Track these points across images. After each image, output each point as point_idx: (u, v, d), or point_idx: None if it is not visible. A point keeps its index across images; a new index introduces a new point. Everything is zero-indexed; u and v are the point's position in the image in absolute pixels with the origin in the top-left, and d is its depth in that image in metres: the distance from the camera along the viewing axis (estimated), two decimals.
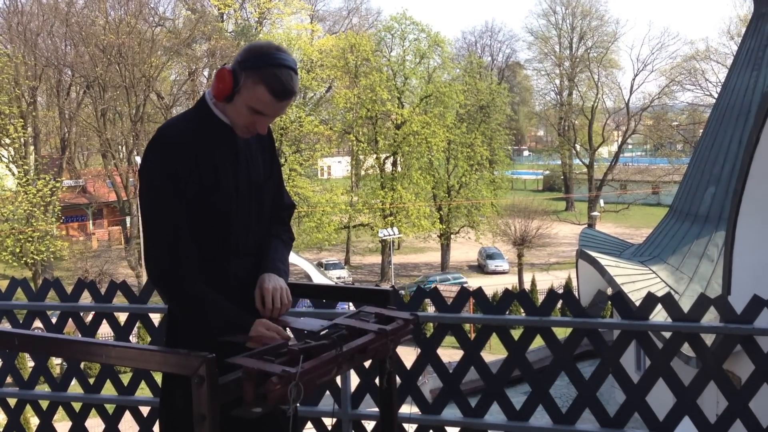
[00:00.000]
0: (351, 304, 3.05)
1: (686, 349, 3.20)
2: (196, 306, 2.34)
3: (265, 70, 2.29)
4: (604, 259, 14.16)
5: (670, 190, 46.03)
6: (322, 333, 2.28)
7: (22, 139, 37.09)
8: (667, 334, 3.22)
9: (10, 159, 36.94)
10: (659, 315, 3.47)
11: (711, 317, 3.31)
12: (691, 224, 14.25)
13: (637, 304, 3.33)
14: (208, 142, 2.41)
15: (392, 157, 41.12)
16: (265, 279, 2.45)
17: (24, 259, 33.96)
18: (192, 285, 2.34)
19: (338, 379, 3.67)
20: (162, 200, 2.33)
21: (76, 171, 48.07)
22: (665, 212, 16.74)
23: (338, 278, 36.66)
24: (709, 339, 3.93)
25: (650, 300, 3.27)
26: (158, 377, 3.32)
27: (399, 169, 41.18)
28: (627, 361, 13.49)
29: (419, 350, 3.60)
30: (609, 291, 14.33)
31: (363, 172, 43.49)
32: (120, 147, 42.40)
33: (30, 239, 33.79)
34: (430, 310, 3.91)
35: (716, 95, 23.78)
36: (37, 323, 4.26)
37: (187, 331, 2.42)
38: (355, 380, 3.66)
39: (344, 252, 44.94)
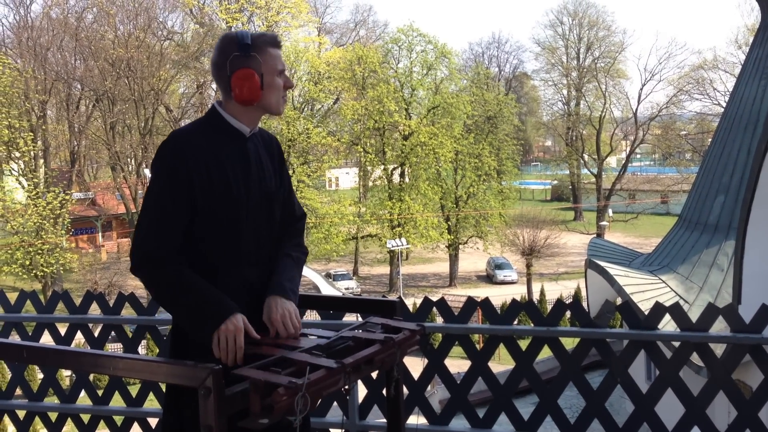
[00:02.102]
0: (358, 315, 3.05)
1: (695, 358, 3.18)
2: (174, 287, 2.33)
3: (257, 38, 2.47)
4: (613, 269, 14.10)
5: (679, 199, 45.87)
6: (329, 344, 2.28)
7: (32, 153, 37.32)
8: (676, 344, 3.20)
9: (20, 172, 37.19)
10: (668, 325, 3.46)
11: (720, 327, 3.29)
12: (700, 233, 14.19)
13: (647, 313, 3.32)
14: (218, 147, 2.45)
15: (400, 168, 41.15)
16: (272, 307, 2.42)
17: (34, 271, 34.09)
18: (173, 268, 2.33)
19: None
20: (162, 194, 2.37)
21: (85, 184, 48.35)
22: (674, 221, 16.66)
23: (346, 289, 36.63)
24: (719, 349, 3.91)
25: (658, 310, 3.26)
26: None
27: (407, 179, 41.19)
28: (636, 371, 13.41)
29: (426, 361, 3.60)
30: (618, 301, 14.26)
31: (371, 183, 43.53)
32: (129, 160, 42.65)
33: (39, 252, 33.93)
34: (438, 320, 3.91)
35: (724, 104, 23.72)
36: (47, 335, 4.28)
37: (193, 342, 2.42)
38: (362, 391, 3.66)
39: (352, 263, 44.92)
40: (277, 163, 2.66)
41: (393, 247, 36.45)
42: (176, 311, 2.37)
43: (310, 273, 33.02)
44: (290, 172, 38.48)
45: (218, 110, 2.50)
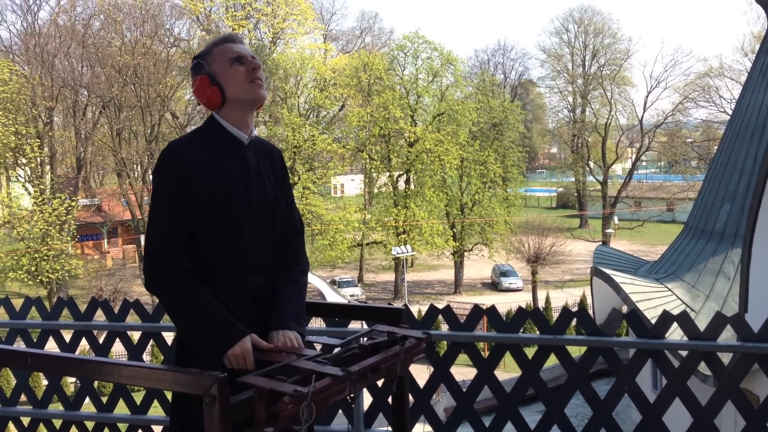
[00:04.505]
0: (364, 322, 3.04)
1: (703, 367, 3.16)
2: (186, 310, 2.33)
3: (211, 45, 2.55)
4: (619, 277, 14.05)
5: (684, 207, 45.72)
6: (334, 352, 2.27)
7: (38, 159, 37.49)
8: (684, 353, 3.18)
9: (27, 178, 37.35)
10: (675, 333, 3.44)
11: (728, 336, 3.27)
12: (706, 241, 14.13)
13: (653, 322, 3.30)
14: (217, 155, 2.46)
15: (405, 175, 41.17)
16: (273, 340, 2.40)
17: (39, 277, 34.18)
18: (185, 288, 2.34)
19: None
20: (166, 208, 2.38)
21: (91, 190, 48.50)
22: (680, 229, 16.60)
23: (351, 296, 36.62)
24: (726, 358, 3.88)
25: (666, 318, 3.24)
26: (171, 396, 3.32)
27: (412, 186, 41.20)
28: (643, 380, 13.34)
29: (432, 369, 3.58)
30: (624, 309, 14.20)
31: (376, 190, 43.55)
32: (135, 166, 42.76)
33: (45, 258, 34.03)
34: (444, 328, 3.89)
35: (730, 112, 23.67)
36: (51, 342, 4.28)
37: (198, 350, 2.42)
38: (368, 399, 3.64)
39: (357, 270, 44.90)
40: (279, 173, 2.66)
41: (398, 254, 36.44)
42: (188, 334, 2.40)
43: (315, 280, 33.03)
44: (296, 178, 38.59)
45: (216, 118, 2.53)
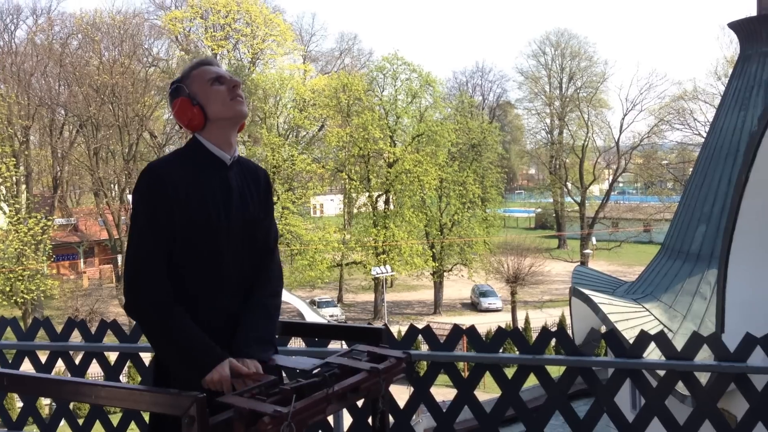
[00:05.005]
0: (344, 342, 3.03)
1: (681, 387, 3.19)
2: (163, 334, 2.32)
3: (188, 68, 2.57)
4: (598, 297, 14.12)
5: (661, 228, 46.22)
6: (314, 372, 2.26)
7: (14, 178, 37.09)
8: (662, 373, 3.21)
9: (2, 198, 36.88)
10: (653, 353, 3.46)
11: (705, 355, 3.30)
12: (683, 262, 14.27)
13: (632, 342, 3.32)
14: (198, 176, 2.45)
15: (385, 195, 41.25)
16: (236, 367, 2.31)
17: (14, 298, 33.66)
18: (162, 312, 2.32)
19: (331, 419, 3.63)
20: (146, 232, 2.37)
21: (67, 209, 48.01)
22: (657, 250, 16.77)
23: (331, 316, 36.44)
24: (703, 378, 3.91)
25: (643, 338, 3.27)
26: (148, 417, 3.27)
27: (391, 207, 41.27)
28: (622, 399, 13.36)
29: (412, 389, 3.58)
30: (603, 329, 14.27)
31: (355, 210, 43.56)
32: (112, 185, 42.44)
33: (20, 278, 33.53)
34: (424, 348, 3.89)
35: (705, 134, 24.06)
36: (27, 363, 4.21)
37: (175, 372, 2.39)
38: (347, 419, 3.62)
39: (337, 290, 44.75)
40: (263, 193, 2.65)
41: (378, 274, 36.39)
42: (166, 357, 2.38)
43: (294, 300, 32.82)
44: (275, 198, 38.50)
45: (198, 139, 2.52)
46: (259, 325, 2.49)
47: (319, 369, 2.29)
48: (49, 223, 36.04)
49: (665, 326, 12.95)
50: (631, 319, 13.30)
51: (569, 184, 55.66)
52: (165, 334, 2.32)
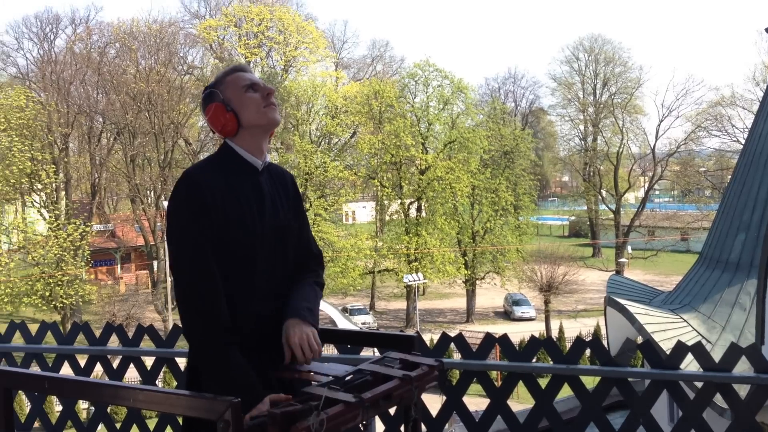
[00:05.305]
0: (376, 349, 3.04)
1: (718, 399, 3.13)
2: (219, 370, 2.30)
3: (222, 74, 2.60)
4: (634, 307, 13.93)
5: (699, 236, 45.44)
6: (346, 379, 2.27)
7: (53, 185, 37.85)
8: (699, 384, 3.16)
9: (42, 204, 37.66)
10: (691, 365, 3.41)
11: (744, 367, 3.24)
12: (721, 272, 14.01)
13: (668, 353, 3.27)
14: (231, 182, 2.47)
15: (417, 203, 41.22)
16: (290, 331, 2.42)
17: (53, 302, 34.29)
18: (222, 351, 2.31)
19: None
20: (192, 241, 2.37)
21: (105, 216, 48.84)
22: (695, 259, 16.47)
23: (363, 324, 36.47)
24: (742, 390, 3.84)
25: (680, 349, 3.22)
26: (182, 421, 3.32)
27: (423, 214, 41.22)
28: (659, 412, 13.15)
29: (445, 397, 3.57)
30: (639, 339, 14.06)
31: (387, 218, 43.60)
32: (148, 192, 43.07)
33: (60, 283, 34.16)
34: (456, 356, 3.88)
35: (743, 141, 23.61)
36: (66, 367, 4.29)
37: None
38: (380, 427, 3.62)
39: (369, 297, 44.78)
40: (292, 198, 2.68)
41: (410, 281, 36.35)
42: (211, 385, 2.34)
43: (326, 307, 32.98)
44: (307, 205, 38.72)
45: (230, 144, 2.55)
46: (310, 298, 2.56)
47: (351, 376, 2.30)
48: (87, 229, 36.68)
49: (703, 337, 12.73)
50: (668, 329, 13.10)
51: (603, 192, 54.99)
52: (215, 373, 2.31)
